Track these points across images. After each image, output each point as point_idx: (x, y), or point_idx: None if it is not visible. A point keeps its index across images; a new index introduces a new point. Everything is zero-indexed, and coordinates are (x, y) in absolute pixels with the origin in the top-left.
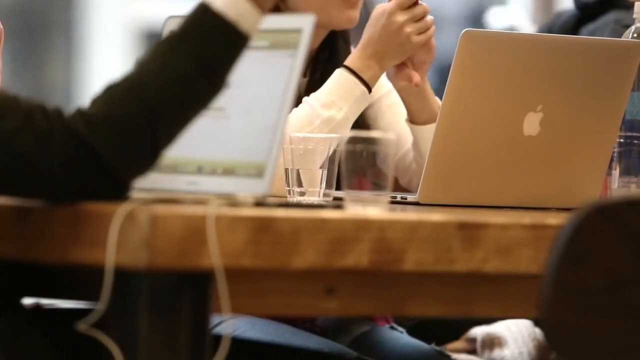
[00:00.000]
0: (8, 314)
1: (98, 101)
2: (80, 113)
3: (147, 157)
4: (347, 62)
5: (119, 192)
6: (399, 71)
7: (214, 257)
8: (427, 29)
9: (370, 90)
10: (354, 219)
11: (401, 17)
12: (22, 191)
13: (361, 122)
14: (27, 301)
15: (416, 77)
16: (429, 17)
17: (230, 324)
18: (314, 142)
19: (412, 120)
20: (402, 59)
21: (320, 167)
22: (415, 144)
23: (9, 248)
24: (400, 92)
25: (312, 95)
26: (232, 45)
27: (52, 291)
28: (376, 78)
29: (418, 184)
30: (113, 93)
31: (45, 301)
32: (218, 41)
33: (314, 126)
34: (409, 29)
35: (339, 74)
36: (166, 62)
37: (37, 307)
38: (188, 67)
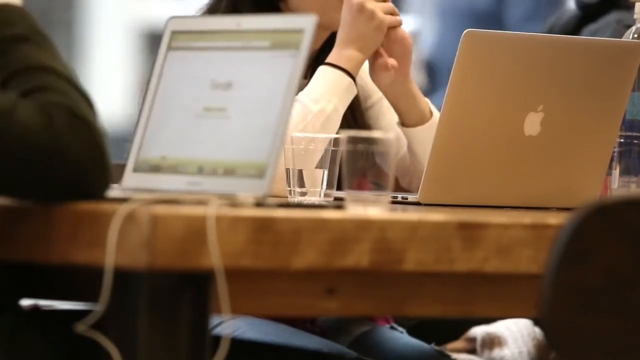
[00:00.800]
0: (6, 315)
1: (40, 95)
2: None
3: (90, 102)
4: (328, 60)
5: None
6: (375, 61)
7: (214, 258)
8: (392, 9)
9: (354, 79)
10: (355, 219)
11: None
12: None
13: (362, 123)
14: (26, 302)
15: (391, 61)
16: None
17: (229, 325)
18: (315, 142)
19: (403, 122)
20: (377, 38)
21: (322, 168)
22: (409, 146)
23: (7, 249)
24: (386, 94)
25: (301, 93)
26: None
27: (50, 292)
28: (359, 65)
29: (418, 185)
30: (39, 84)
31: (43, 302)
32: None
33: (307, 121)
34: (370, 5)
35: (322, 70)
36: (26, 46)
37: (36, 308)
38: (37, 39)
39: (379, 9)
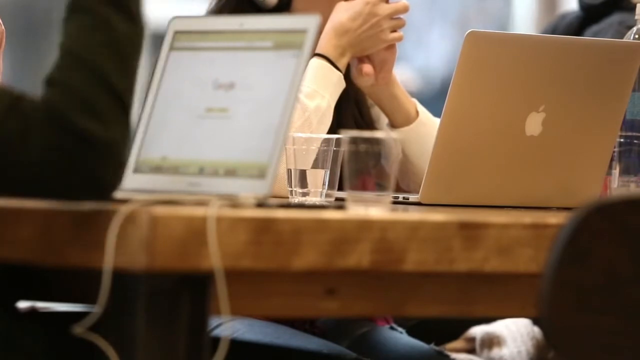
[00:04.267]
0: (4, 317)
1: (48, 89)
2: (42, 101)
3: (121, 113)
4: (322, 51)
5: (113, 167)
6: (355, 64)
7: (214, 259)
8: (401, 26)
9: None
10: (355, 219)
11: (383, 11)
12: (10, 180)
13: (364, 123)
14: (23, 304)
15: (367, 68)
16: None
17: (229, 326)
18: (315, 142)
19: (390, 123)
20: (369, 51)
21: (323, 168)
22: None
23: (5, 250)
24: (369, 96)
25: None
26: None
27: (48, 294)
28: (346, 64)
29: (414, 186)
30: (57, 75)
31: (41, 304)
32: None
33: (305, 118)
34: (386, 24)
35: (316, 64)
36: (81, 21)
37: (33, 310)
38: (103, 14)
39: (391, 27)
